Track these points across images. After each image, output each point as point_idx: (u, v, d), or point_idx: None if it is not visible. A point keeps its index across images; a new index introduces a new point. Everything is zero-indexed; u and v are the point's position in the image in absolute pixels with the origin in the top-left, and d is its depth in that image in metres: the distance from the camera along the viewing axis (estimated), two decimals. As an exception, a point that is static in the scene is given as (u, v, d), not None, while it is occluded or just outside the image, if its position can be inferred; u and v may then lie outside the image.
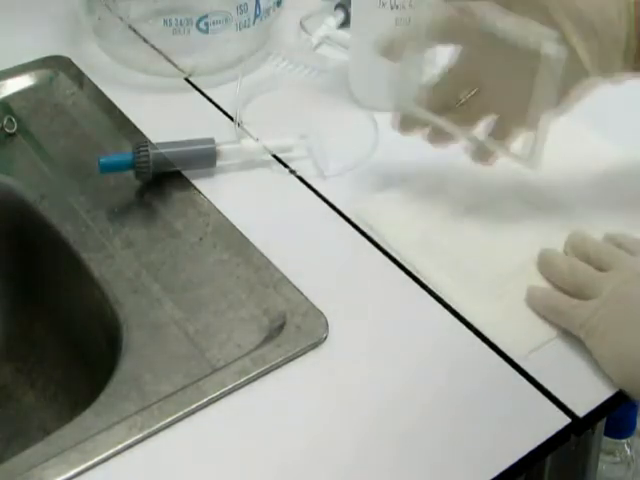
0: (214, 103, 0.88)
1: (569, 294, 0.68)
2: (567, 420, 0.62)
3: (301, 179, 0.80)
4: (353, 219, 0.76)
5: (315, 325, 0.67)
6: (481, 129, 0.73)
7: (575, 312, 0.66)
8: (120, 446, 0.60)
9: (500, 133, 0.72)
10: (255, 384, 0.64)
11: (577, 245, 0.71)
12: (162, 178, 0.79)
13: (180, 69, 0.90)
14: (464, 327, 0.68)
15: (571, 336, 0.66)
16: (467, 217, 0.76)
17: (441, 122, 0.73)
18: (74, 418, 0.62)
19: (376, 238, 0.74)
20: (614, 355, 0.63)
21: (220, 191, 0.79)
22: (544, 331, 0.67)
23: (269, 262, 0.72)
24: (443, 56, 0.73)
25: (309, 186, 0.80)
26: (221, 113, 0.87)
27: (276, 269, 0.71)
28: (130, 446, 0.60)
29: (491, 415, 0.63)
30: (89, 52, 0.93)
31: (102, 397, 0.63)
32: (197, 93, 0.90)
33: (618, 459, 1.03)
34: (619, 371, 0.63)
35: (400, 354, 0.67)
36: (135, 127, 0.84)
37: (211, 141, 0.80)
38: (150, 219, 0.77)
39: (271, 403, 0.63)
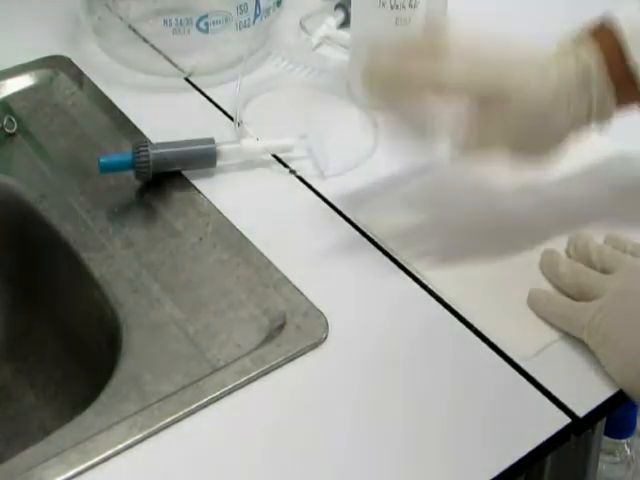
0: (214, 103, 0.88)
1: (571, 297, 0.68)
2: (567, 420, 0.62)
3: (301, 179, 0.80)
4: (353, 219, 0.76)
5: (315, 325, 0.67)
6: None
7: (577, 315, 0.66)
8: (120, 446, 0.60)
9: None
10: (255, 384, 0.64)
11: (579, 247, 0.71)
12: (162, 178, 0.79)
13: (180, 69, 0.90)
14: (464, 327, 0.68)
15: (571, 336, 0.66)
16: (467, 218, 0.76)
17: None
18: (74, 418, 0.62)
19: (376, 238, 0.74)
20: (616, 354, 0.63)
21: (220, 191, 0.79)
22: (546, 333, 0.67)
23: (269, 262, 0.72)
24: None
25: (309, 186, 0.80)
26: (221, 113, 0.87)
27: (276, 269, 0.71)
28: (130, 446, 0.60)
29: (491, 415, 0.63)
30: (89, 52, 0.93)
31: (102, 397, 0.63)
32: (197, 93, 0.90)
33: (618, 459, 1.03)
34: (621, 371, 0.63)
35: (400, 354, 0.67)
36: (135, 127, 0.84)
37: (211, 141, 0.80)
38: (150, 219, 0.77)
39: (271, 403, 0.63)
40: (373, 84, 0.70)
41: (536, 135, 0.70)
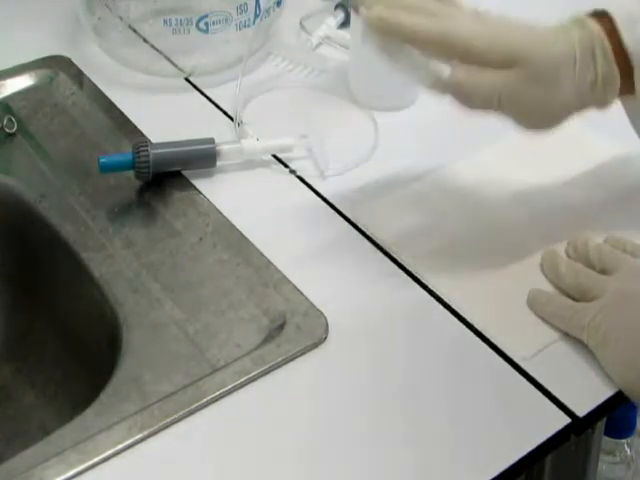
0: (214, 103, 0.88)
1: (571, 297, 0.68)
2: (567, 420, 0.62)
3: (301, 179, 0.80)
4: (353, 219, 0.76)
5: (315, 325, 0.67)
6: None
7: (577, 315, 0.66)
8: (120, 446, 0.60)
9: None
10: (255, 384, 0.64)
11: (579, 247, 0.71)
12: (162, 178, 0.79)
13: (180, 69, 0.90)
14: (465, 327, 0.68)
15: (571, 337, 0.66)
16: (467, 219, 0.76)
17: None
18: (74, 418, 0.62)
19: (376, 239, 0.74)
20: (616, 355, 0.63)
21: (220, 191, 0.79)
22: (546, 333, 0.67)
23: (269, 262, 0.72)
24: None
25: (309, 186, 0.80)
26: (221, 113, 0.87)
27: (276, 269, 0.71)
28: (130, 446, 0.60)
29: (491, 415, 0.63)
30: (89, 52, 0.93)
31: (102, 397, 0.63)
32: (197, 93, 0.90)
33: (618, 459, 1.03)
34: (621, 371, 0.63)
35: (400, 354, 0.67)
36: (135, 127, 0.84)
37: (211, 141, 0.80)
38: (150, 219, 0.77)
39: (271, 403, 0.63)
40: (376, 31, 0.67)
41: (541, 101, 0.67)
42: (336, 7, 0.98)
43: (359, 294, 0.71)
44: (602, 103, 0.69)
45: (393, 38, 0.67)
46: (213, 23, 0.86)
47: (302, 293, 0.69)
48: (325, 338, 0.67)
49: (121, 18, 0.88)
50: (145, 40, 0.88)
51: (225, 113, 0.87)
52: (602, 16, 0.69)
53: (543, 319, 0.68)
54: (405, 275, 0.72)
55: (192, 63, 0.90)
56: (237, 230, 0.75)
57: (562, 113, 0.69)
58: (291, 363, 0.65)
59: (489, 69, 0.66)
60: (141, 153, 0.77)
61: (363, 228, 0.75)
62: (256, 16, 0.88)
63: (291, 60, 0.94)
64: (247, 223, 0.75)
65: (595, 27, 0.68)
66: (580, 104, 0.68)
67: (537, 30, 0.68)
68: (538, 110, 0.68)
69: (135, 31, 0.88)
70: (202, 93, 0.90)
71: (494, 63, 0.66)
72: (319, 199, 0.78)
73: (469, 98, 0.67)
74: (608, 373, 0.64)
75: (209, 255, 0.73)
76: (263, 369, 0.64)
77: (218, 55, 0.90)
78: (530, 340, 0.67)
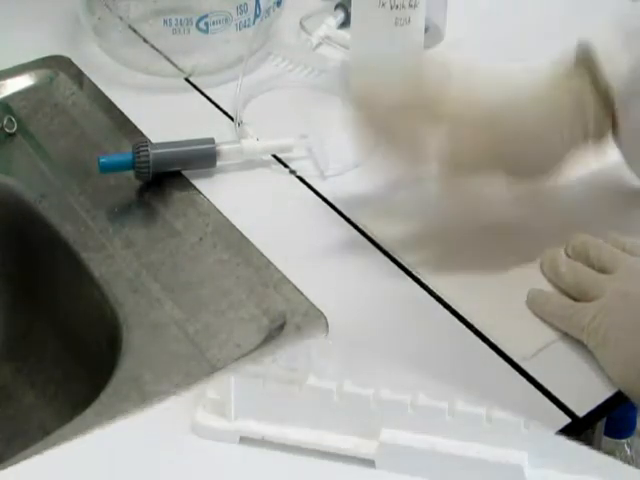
0: (214, 103, 0.88)
1: (571, 297, 0.68)
2: (567, 420, 0.62)
3: (301, 179, 0.80)
4: (353, 219, 0.76)
5: (315, 325, 0.67)
6: None
7: (577, 315, 0.66)
8: (120, 446, 0.60)
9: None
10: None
11: (578, 248, 0.71)
12: (162, 178, 0.79)
13: (180, 69, 0.90)
14: (464, 327, 0.68)
15: (571, 336, 0.66)
16: (467, 219, 0.76)
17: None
18: (74, 418, 0.62)
19: (376, 239, 0.74)
20: (616, 356, 0.63)
21: (220, 191, 0.79)
22: (546, 333, 0.67)
23: (269, 262, 0.72)
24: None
25: (309, 186, 0.80)
26: (221, 113, 0.87)
27: (276, 269, 0.71)
28: (130, 446, 0.60)
29: (491, 415, 0.63)
30: (89, 52, 0.93)
31: (102, 397, 0.63)
32: (197, 93, 0.90)
33: (618, 459, 1.03)
34: (620, 372, 0.63)
35: (400, 354, 0.66)
36: (135, 127, 0.84)
37: (211, 141, 0.80)
38: (150, 219, 0.77)
39: (271, 403, 0.63)
40: (369, 126, 0.72)
41: (528, 158, 0.70)
42: (336, 7, 0.98)
43: (359, 294, 0.71)
44: (598, 144, 0.71)
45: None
46: (213, 23, 0.86)
47: (302, 293, 0.69)
48: (325, 338, 0.67)
49: (121, 18, 0.88)
50: (145, 40, 0.88)
51: (225, 113, 0.87)
52: (587, 58, 0.70)
53: (543, 319, 0.68)
54: (405, 275, 0.72)
55: (192, 63, 0.90)
56: (237, 230, 0.75)
57: (553, 164, 0.71)
58: (291, 363, 0.65)
59: (473, 134, 0.68)
60: (141, 153, 0.77)
61: (363, 228, 0.75)
62: (256, 16, 0.88)
63: (291, 60, 0.94)
64: (247, 223, 0.75)
65: (584, 77, 0.69)
66: (574, 151, 0.70)
67: (521, 90, 0.70)
68: (526, 166, 0.71)
69: (135, 31, 0.88)
70: (202, 93, 0.90)
71: (477, 126, 0.69)
72: (319, 199, 0.78)
73: (457, 167, 0.70)
74: (608, 373, 0.64)
75: (209, 255, 0.73)
76: (263, 369, 0.64)
77: (218, 55, 0.90)
78: (530, 340, 0.67)
